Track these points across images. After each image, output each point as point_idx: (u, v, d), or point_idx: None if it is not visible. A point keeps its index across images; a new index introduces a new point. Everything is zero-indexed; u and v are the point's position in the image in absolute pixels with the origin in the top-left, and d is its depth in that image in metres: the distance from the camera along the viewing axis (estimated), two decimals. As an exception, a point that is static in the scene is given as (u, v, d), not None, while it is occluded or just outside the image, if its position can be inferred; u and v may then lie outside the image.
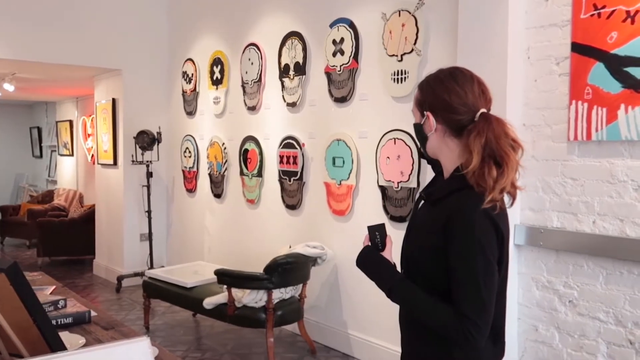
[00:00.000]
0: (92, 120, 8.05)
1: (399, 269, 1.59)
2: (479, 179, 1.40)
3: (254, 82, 5.05)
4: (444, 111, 1.48)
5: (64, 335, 1.80)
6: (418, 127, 1.55)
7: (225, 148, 5.50)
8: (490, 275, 1.41)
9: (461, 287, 1.40)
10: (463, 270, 1.40)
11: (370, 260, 1.57)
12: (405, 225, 3.83)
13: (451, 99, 1.46)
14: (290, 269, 3.90)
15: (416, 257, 1.53)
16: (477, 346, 1.41)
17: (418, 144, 1.65)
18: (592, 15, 2.67)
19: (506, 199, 1.47)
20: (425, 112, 1.51)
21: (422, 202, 1.62)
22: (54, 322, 1.97)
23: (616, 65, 2.59)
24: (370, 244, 1.59)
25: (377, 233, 1.58)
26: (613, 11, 2.59)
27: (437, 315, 1.43)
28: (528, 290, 2.97)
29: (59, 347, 1.28)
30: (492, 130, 1.42)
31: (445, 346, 1.47)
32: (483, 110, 1.47)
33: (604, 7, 2.63)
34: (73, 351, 1.06)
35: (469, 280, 1.39)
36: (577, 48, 2.73)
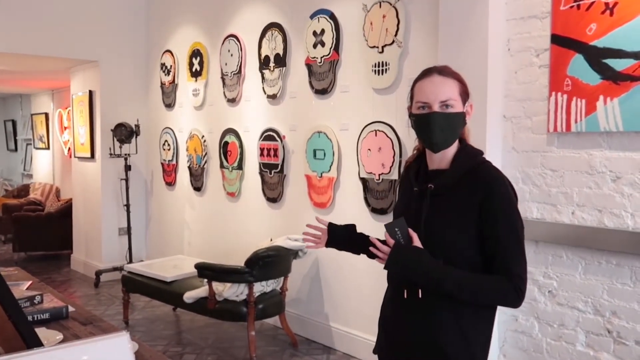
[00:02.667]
0: (68, 112, 7.93)
1: None
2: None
3: (234, 73, 5.00)
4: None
5: (41, 332, 1.77)
6: (463, 116, 1.65)
7: (204, 141, 5.45)
8: (524, 237, 1.61)
9: (510, 250, 1.55)
10: (510, 233, 1.56)
11: (408, 256, 1.57)
12: (387, 217, 3.85)
13: None
14: (271, 262, 3.89)
15: (448, 242, 1.58)
16: (522, 301, 1.57)
17: (450, 133, 1.64)
18: (571, 7, 2.69)
19: None
20: (469, 102, 1.67)
21: (419, 194, 1.66)
22: (30, 318, 1.93)
23: (595, 57, 2.61)
24: (396, 241, 1.59)
25: (396, 229, 1.58)
26: (592, 3, 2.61)
27: (491, 286, 1.55)
28: (508, 281, 2.99)
29: (35, 343, 1.25)
30: None
31: (461, 329, 1.58)
32: None
33: (583, -1, 2.64)
34: (50, 347, 1.03)
35: (515, 241, 1.56)
36: (557, 40, 2.75)
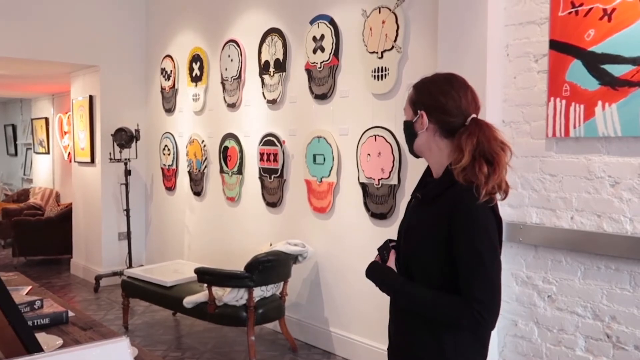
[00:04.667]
0: (68, 117, 7.94)
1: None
2: (468, 175, 1.51)
3: (234, 79, 5.01)
4: (439, 112, 1.59)
5: (41, 337, 1.77)
6: (409, 124, 1.65)
7: (204, 145, 5.46)
8: (496, 259, 1.53)
9: (471, 272, 1.49)
10: (472, 256, 1.49)
11: (376, 270, 1.69)
12: (386, 222, 3.85)
13: (447, 102, 1.58)
14: (271, 267, 3.89)
15: (418, 254, 1.59)
16: (489, 328, 1.51)
17: (405, 140, 1.72)
18: (569, 13, 2.70)
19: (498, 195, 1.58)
20: (419, 111, 1.61)
21: (414, 202, 1.69)
22: (30, 323, 1.93)
23: (593, 63, 2.62)
24: (380, 261, 1.71)
25: (384, 252, 1.70)
26: (590, 9, 2.63)
27: (446, 306, 1.51)
28: (508, 286, 3.00)
29: (35, 348, 1.25)
30: (484, 133, 1.54)
31: (435, 334, 1.56)
32: (474, 115, 1.59)
33: (581, 5, 2.66)
34: (50, 352, 1.03)
35: (478, 265, 1.48)
36: (555, 45, 2.76)
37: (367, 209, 3.86)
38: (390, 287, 1.63)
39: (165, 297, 4.31)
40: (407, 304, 1.60)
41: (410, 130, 1.65)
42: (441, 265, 1.54)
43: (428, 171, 1.72)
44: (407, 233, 1.64)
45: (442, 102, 1.58)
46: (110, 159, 5.99)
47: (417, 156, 1.70)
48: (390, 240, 1.73)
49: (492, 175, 1.50)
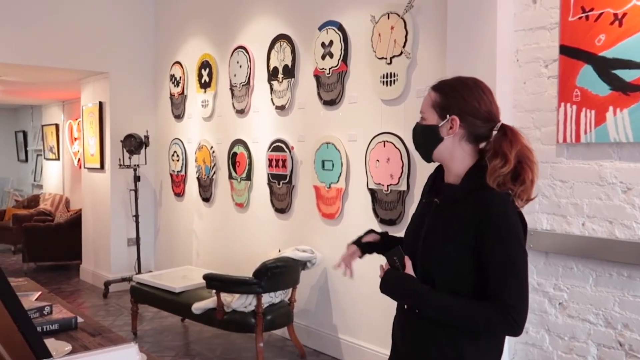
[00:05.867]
0: (78, 123, 7.99)
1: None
2: (507, 181, 1.50)
3: (243, 85, 5.03)
4: (471, 117, 1.56)
5: (50, 342, 1.77)
6: (433, 129, 1.59)
7: (213, 151, 5.47)
8: (526, 264, 1.51)
9: (503, 277, 1.47)
10: (504, 261, 1.47)
11: (395, 281, 1.62)
12: (395, 228, 3.83)
13: (480, 107, 1.55)
14: (279, 273, 3.88)
15: (441, 261, 1.55)
16: (520, 332, 1.48)
17: (421, 145, 1.66)
18: (580, 18, 2.69)
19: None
20: (449, 116, 1.56)
21: (430, 208, 1.64)
22: (39, 328, 1.94)
23: (604, 68, 2.60)
24: (391, 267, 1.64)
25: (395, 258, 1.62)
26: (601, 14, 2.61)
27: (477, 313, 1.49)
28: (518, 293, 2.97)
29: (45, 354, 1.25)
30: (522, 141, 1.55)
31: (455, 342, 1.53)
32: (501, 122, 1.58)
33: (591, 9, 2.64)
34: (59, 358, 1.03)
35: (510, 270, 1.47)
36: (566, 50, 2.74)
37: (376, 215, 3.85)
38: (414, 296, 1.56)
39: (174, 303, 4.32)
40: (434, 313, 1.53)
41: (433, 135, 1.58)
42: (465, 271, 1.51)
43: (438, 176, 1.69)
44: (427, 239, 1.59)
45: (476, 107, 1.55)
46: (120, 165, 6.01)
47: (429, 161, 1.65)
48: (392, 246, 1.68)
49: (533, 182, 1.52)
